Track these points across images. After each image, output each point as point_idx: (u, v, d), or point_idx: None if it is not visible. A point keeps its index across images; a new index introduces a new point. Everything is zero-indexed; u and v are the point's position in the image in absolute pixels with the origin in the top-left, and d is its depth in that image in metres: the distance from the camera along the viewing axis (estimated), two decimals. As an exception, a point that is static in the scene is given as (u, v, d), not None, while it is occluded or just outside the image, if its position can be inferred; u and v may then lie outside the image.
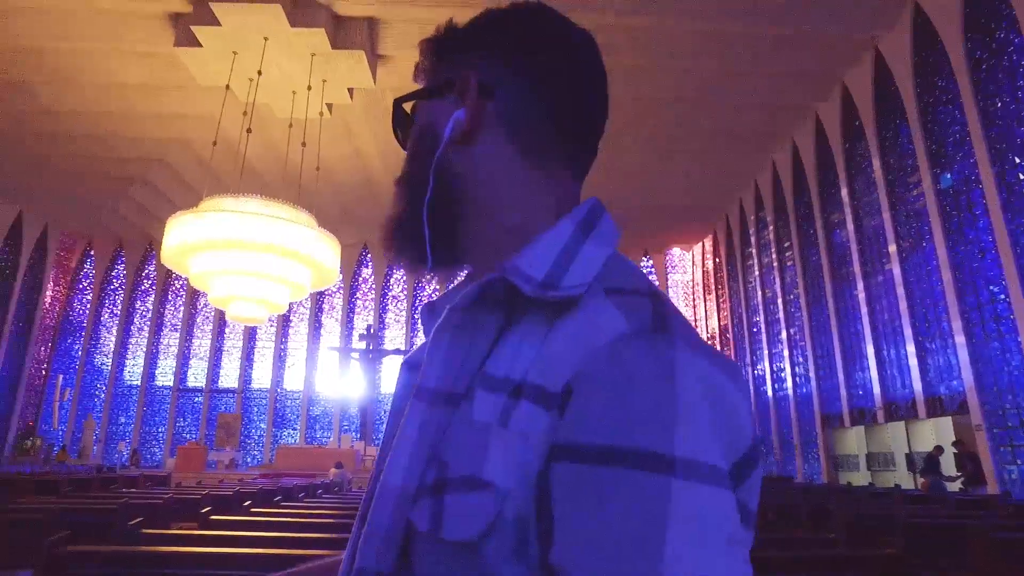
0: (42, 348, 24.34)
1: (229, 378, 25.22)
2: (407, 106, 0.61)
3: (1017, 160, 10.40)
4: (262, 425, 24.44)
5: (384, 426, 0.57)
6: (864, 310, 14.26)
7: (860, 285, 14.44)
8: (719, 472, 0.37)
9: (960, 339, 11.24)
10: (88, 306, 25.45)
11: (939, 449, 10.48)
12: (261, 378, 25.11)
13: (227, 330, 25.45)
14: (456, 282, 0.62)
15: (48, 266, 23.86)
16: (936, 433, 12.52)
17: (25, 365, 23.30)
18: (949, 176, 11.81)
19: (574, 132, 0.56)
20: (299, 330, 25.24)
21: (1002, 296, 10.55)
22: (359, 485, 14.06)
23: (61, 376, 24.13)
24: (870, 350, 13.96)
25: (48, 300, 24.40)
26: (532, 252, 0.48)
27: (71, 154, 17.52)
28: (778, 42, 13.08)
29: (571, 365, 0.40)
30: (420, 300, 25.34)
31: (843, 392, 15.09)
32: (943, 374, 11.99)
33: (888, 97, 13.39)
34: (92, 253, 25.54)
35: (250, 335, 25.19)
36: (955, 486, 10.34)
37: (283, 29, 11.92)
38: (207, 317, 25.51)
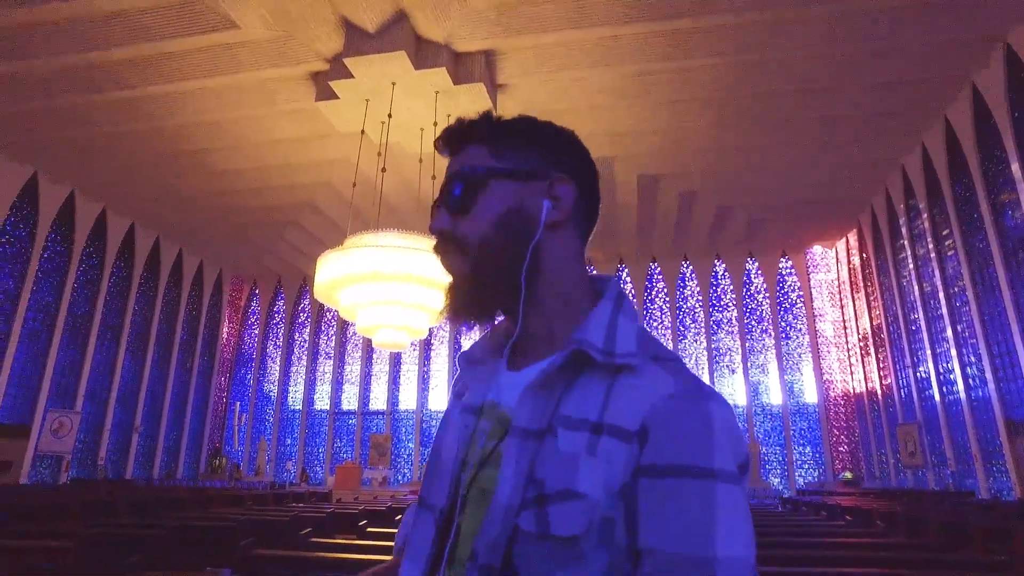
0: (222, 378, 27.65)
1: (378, 401, 27.02)
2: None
3: None
4: (410, 444, 25.86)
5: (436, 437, 0.81)
6: (1050, 299, 12.52)
7: (1042, 271, 12.71)
8: (736, 475, 0.59)
9: None
10: (256, 339, 28.56)
11: None
12: (407, 400, 26.66)
13: (375, 356, 27.34)
14: (482, 333, 0.83)
15: (224, 305, 27.22)
16: None
17: (210, 394, 26.70)
18: None
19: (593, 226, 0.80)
20: (440, 352, 26.55)
21: None
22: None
23: (239, 403, 27.25)
24: (1063, 345, 12.20)
25: (225, 335, 27.74)
26: (589, 326, 0.67)
27: (237, 206, 19.95)
28: (922, 10, 12.03)
29: (642, 412, 0.60)
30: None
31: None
32: None
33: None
34: (257, 292, 28.72)
35: (395, 360, 26.88)
36: None
37: (408, 73, 12.86)
38: (356, 345, 27.59)
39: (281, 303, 28.59)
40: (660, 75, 14.18)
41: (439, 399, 26.15)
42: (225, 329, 27.78)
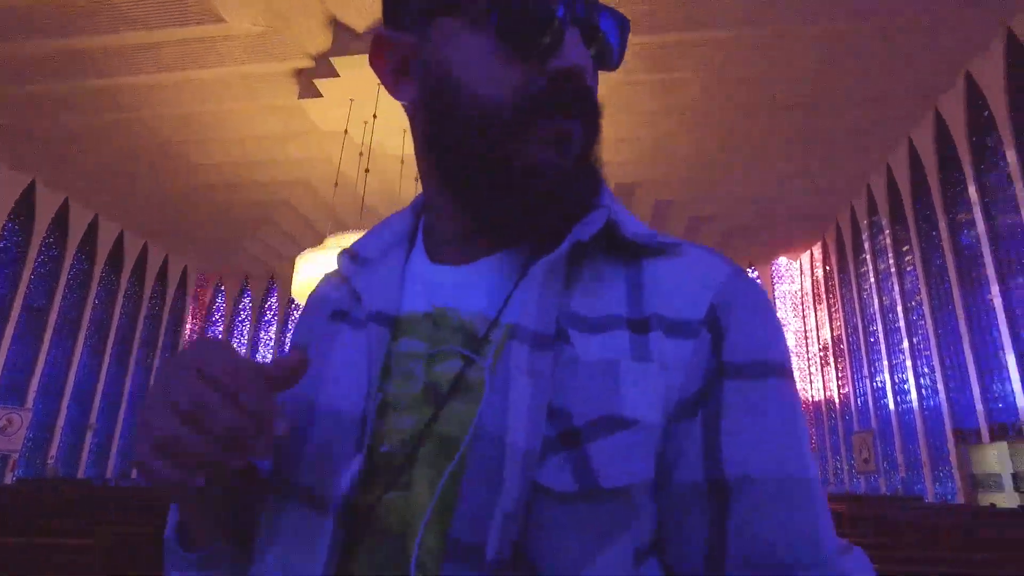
0: (183, 376, 26.93)
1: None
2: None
3: None
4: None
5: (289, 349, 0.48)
6: (1001, 316, 13.24)
7: (995, 289, 13.43)
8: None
9: (1120, 344, 10.26)
10: (220, 336, 27.90)
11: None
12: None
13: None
14: (379, 226, 0.59)
15: (188, 302, 26.56)
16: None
17: (171, 392, 25.97)
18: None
19: None
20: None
21: None
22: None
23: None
24: (1011, 359, 12.92)
25: (188, 332, 27.05)
26: (607, 198, 0.51)
27: (210, 201, 19.52)
28: (892, 33, 12.59)
29: (706, 297, 0.44)
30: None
31: (979, 405, 14.00)
32: (1101, 383, 10.95)
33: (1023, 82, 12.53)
34: (223, 289, 28.09)
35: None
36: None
37: (394, 75, 12.85)
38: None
39: (247, 301, 28.03)
40: (643, 85, 14.50)
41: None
42: (188, 326, 27.10)
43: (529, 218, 0.48)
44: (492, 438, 0.40)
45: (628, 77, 13.98)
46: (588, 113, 0.48)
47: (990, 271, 13.60)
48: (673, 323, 0.44)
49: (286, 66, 13.38)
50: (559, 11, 0.46)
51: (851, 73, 13.66)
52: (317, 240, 13.42)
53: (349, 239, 11.69)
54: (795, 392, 0.44)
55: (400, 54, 0.52)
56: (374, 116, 13.38)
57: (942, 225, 15.36)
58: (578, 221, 0.47)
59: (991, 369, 13.81)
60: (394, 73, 0.53)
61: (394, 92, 0.54)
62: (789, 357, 0.45)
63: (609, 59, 0.51)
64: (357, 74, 12.76)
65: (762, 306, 0.45)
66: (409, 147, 14.84)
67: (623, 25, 0.51)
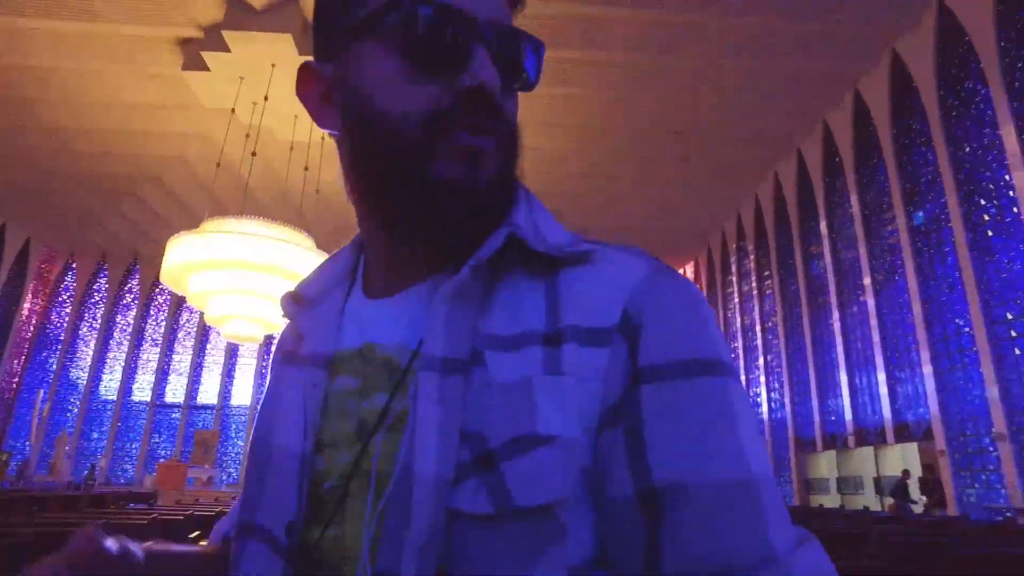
0: (15, 361, 23.95)
1: (208, 394, 25.07)
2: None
3: (982, 202, 11.20)
4: (239, 442, 24.31)
5: (257, 420, 0.55)
6: (839, 339, 14.94)
7: (836, 315, 15.14)
8: (734, 366, 0.44)
9: (927, 369, 11.91)
10: (67, 319, 25.16)
11: (907, 473, 11.08)
12: (241, 394, 25.01)
13: (208, 346, 25.35)
14: (322, 265, 0.59)
15: (28, 278, 23.60)
16: (903, 458, 13.13)
17: (-1, 379, 22.97)
18: (921, 215, 12.59)
19: None
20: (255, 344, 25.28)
21: (967, 329, 11.26)
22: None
23: (42, 391, 23.77)
24: (843, 378, 14.62)
25: (26, 312, 24.09)
26: (515, 216, 0.49)
27: (64, 168, 17.56)
28: (766, 79, 13.84)
29: (620, 300, 0.43)
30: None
31: (816, 418, 15.71)
32: (911, 402, 12.65)
33: (867, 136, 14.21)
34: (74, 266, 25.32)
35: (232, 351, 25.12)
36: (918, 508, 10.95)
37: (291, 57, 12.29)
38: (189, 333, 25.41)
39: (103, 281, 25.47)
40: (542, 98, 14.87)
41: (280, 397, 24.85)
42: (27, 305, 24.12)
43: (443, 237, 0.48)
44: (407, 469, 0.41)
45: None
46: (500, 131, 0.48)
47: (833, 299, 15.31)
48: (587, 332, 0.43)
49: (170, 33, 12.39)
50: (467, 31, 0.47)
51: (728, 108, 14.85)
52: (191, 222, 12.47)
53: (230, 225, 11.02)
54: (729, 388, 0.42)
55: (324, 83, 0.53)
56: (265, 98, 12.73)
57: (798, 255, 17.08)
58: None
59: (828, 386, 15.54)
60: (319, 102, 0.54)
61: (319, 121, 0.54)
62: (720, 352, 0.43)
63: (524, 80, 0.52)
64: (250, 51, 12.08)
65: (682, 303, 0.44)
66: (300, 134, 14.27)
67: (537, 47, 0.52)
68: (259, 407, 0.56)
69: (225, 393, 24.75)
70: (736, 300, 20.91)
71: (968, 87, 11.64)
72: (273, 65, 12.57)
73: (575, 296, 0.44)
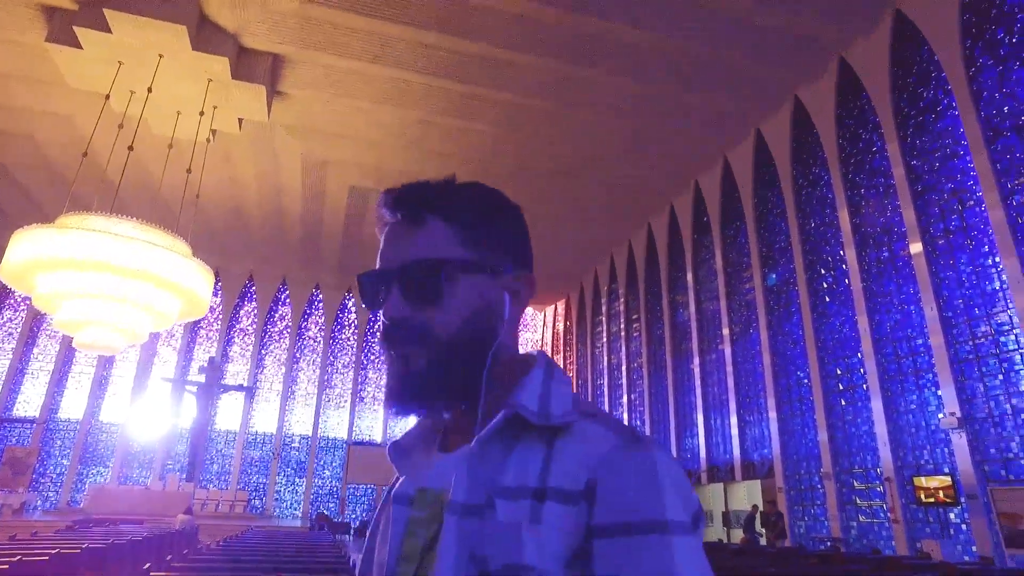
0: None
1: (29, 405, 21.95)
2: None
3: (822, 271, 12.90)
4: (64, 462, 21.42)
5: (368, 537, 0.77)
6: (698, 383, 16.30)
7: (696, 360, 16.52)
8: (690, 525, 0.56)
9: (772, 414, 13.35)
10: None
11: (756, 508, 12.31)
12: (72, 407, 22.16)
13: (35, 351, 22.31)
14: (411, 423, 0.78)
15: None
16: (748, 494, 14.53)
17: None
18: (774, 276, 14.23)
19: None
20: (128, 356, 22.75)
21: (805, 381, 12.82)
22: (212, 536, 13.04)
23: None
24: (700, 418, 15.94)
25: None
26: (523, 392, 0.65)
27: None
28: (647, 139, 15.06)
29: (587, 470, 0.57)
30: (271, 334, 24.19)
31: (674, 455, 16.87)
32: (757, 443, 14.07)
33: (732, 201, 15.86)
34: None
35: (65, 358, 22.26)
36: (763, 540, 12.18)
37: (182, 50, 11.50)
38: (10, 334, 22.23)
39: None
40: (438, 128, 15.05)
41: (115, 409, 22.25)
42: None
43: (408, 409, 0.68)
44: None
45: (426, 116, 14.43)
46: (408, 344, 0.67)
47: (695, 345, 16.69)
48: (564, 493, 0.57)
49: (35, -2, 11.11)
50: (382, 280, 0.69)
51: (612, 159, 15.94)
52: (36, 214, 11.11)
53: (98, 223, 9.99)
54: (674, 545, 0.53)
55: None
56: (149, 90, 11.77)
57: (665, 301, 18.47)
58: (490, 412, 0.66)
59: (686, 425, 16.83)
60: None
61: None
62: (668, 513, 0.55)
63: (429, 296, 0.67)
64: (136, 36, 11.14)
65: (634, 473, 0.56)
66: (183, 131, 13.29)
67: (436, 268, 0.67)
68: (371, 527, 0.77)
69: (52, 405, 21.77)
70: (605, 340, 22.10)
71: (815, 171, 13.45)
72: (161, 56, 11.68)
73: (560, 462, 0.59)
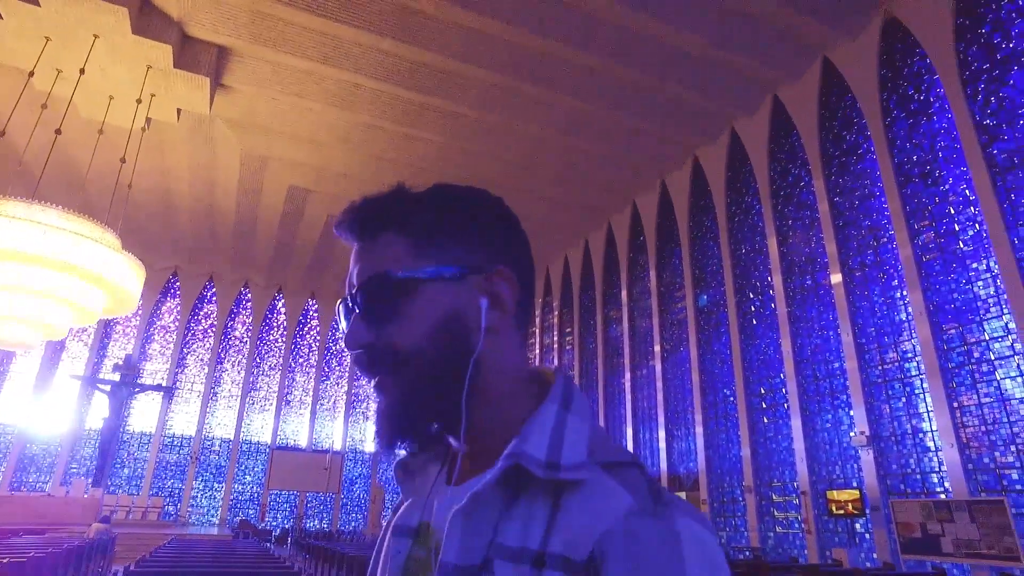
0: None
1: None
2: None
3: (751, 295, 13.71)
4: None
5: (372, 561, 0.70)
6: (628, 397, 16.86)
7: (627, 375, 17.09)
8: None
9: (699, 429, 14.02)
10: None
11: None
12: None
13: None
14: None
15: None
16: (672, 505, 15.11)
17: None
18: (705, 298, 14.98)
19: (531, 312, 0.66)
20: (30, 351, 21.05)
21: (731, 398, 13.56)
22: (129, 548, 12.25)
23: None
24: (629, 431, 16.48)
25: None
26: (530, 436, 0.55)
27: None
28: (590, 157, 15.56)
29: (591, 539, 0.47)
30: (194, 333, 23.09)
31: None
32: (683, 456, 14.72)
33: (668, 223, 16.57)
34: None
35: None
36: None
37: (121, 33, 10.96)
38: None
39: None
40: (385, 133, 14.98)
41: (10, 408, 20.45)
42: None
43: (391, 446, 0.60)
44: None
45: (374, 121, 14.34)
46: (376, 370, 0.59)
47: (626, 360, 17.26)
48: (564, 561, 0.48)
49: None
50: (348, 302, 0.61)
51: (554, 175, 16.35)
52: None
53: (17, 209, 9.35)
54: None
55: None
56: (81, 71, 11.14)
57: (599, 316, 19.00)
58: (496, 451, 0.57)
59: (615, 438, 17.23)
60: None
61: None
62: None
63: (384, 314, 0.59)
64: (69, 13, 10.53)
65: (649, 554, 0.46)
66: (115, 118, 12.62)
67: (386, 281, 0.59)
68: (376, 547, 0.70)
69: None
70: (537, 351, 22.47)
71: (748, 201, 14.29)
72: (96, 36, 11.08)
73: (565, 523, 0.50)
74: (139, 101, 11.89)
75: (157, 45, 11.31)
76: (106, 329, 21.94)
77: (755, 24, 11.73)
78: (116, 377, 19.20)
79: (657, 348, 16.05)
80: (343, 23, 11.66)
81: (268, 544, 16.29)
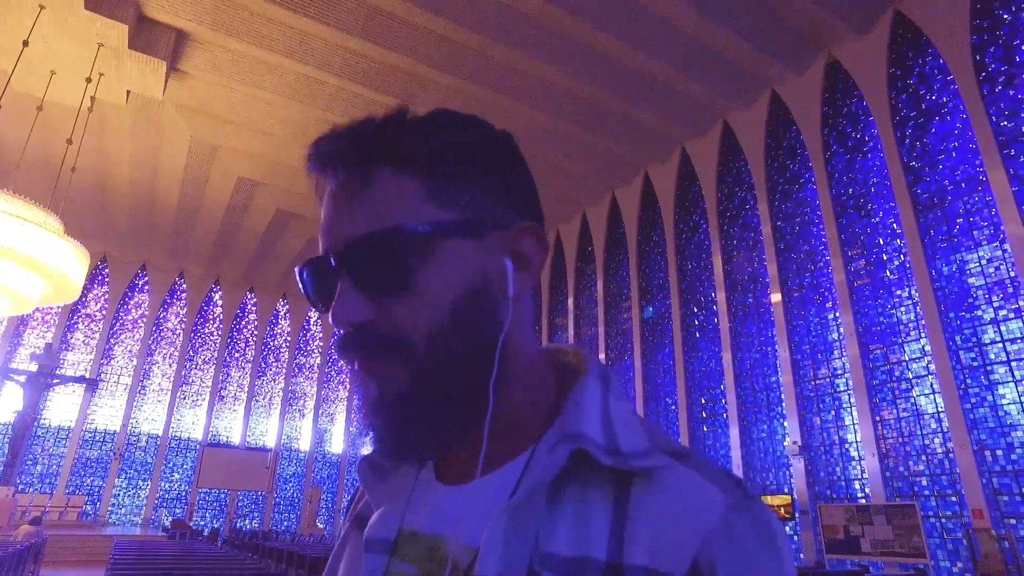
0: None
1: None
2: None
3: (695, 309, 14.45)
4: None
5: (331, 559, 0.56)
6: (573, 403, 17.28)
7: (571, 382, 17.51)
8: None
9: (640, 435, 14.59)
10: None
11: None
12: None
13: None
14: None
15: None
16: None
17: None
18: (651, 309, 15.63)
19: None
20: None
21: (673, 407, 14.23)
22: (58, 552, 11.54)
23: None
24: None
25: None
26: (582, 415, 0.45)
27: None
28: (541, 167, 15.88)
29: (691, 545, 0.38)
30: (123, 323, 21.92)
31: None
32: (623, 461, 15.27)
33: (617, 236, 17.16)
34: None
35: None
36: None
37: (71, 6, 10.46)
38: None
39: None
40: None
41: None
42: None
43: (408, 457, 0.50)
44: None
45: (332, 118, 14.12)
46: (375, 358, 0.45)
47: (571, 366, 17.69)
48: (652, 575, 0.38)
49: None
50: (327, 270, 0.46)
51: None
52: None
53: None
54: None
55: None
56: (25, 43, 10.55)
57: (544, 323, 19.41)
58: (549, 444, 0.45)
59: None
60: None
61: None
62: None
63: (391, 285, 0.44)
64: (23, -13, 9.98)
65: (756, 552, 0.39)
66: (57, 94, 11.99)
67: (381, 251, 0.44)
68: (328, 565, 0.56)
69: None
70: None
71: (695, 219, 15.05)
72: (42, 7, 10.51)
73: (644, 525, 0.40)
74: (88, 80, 11.33)
75: (111, 23, 10.84)
76: (22, 316, 20.50)
77: (712, 55, 12.41)
78: (33, 367, 17.99)
79: (602, 356, 16.59)
80: (311, 18, 11.54)
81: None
